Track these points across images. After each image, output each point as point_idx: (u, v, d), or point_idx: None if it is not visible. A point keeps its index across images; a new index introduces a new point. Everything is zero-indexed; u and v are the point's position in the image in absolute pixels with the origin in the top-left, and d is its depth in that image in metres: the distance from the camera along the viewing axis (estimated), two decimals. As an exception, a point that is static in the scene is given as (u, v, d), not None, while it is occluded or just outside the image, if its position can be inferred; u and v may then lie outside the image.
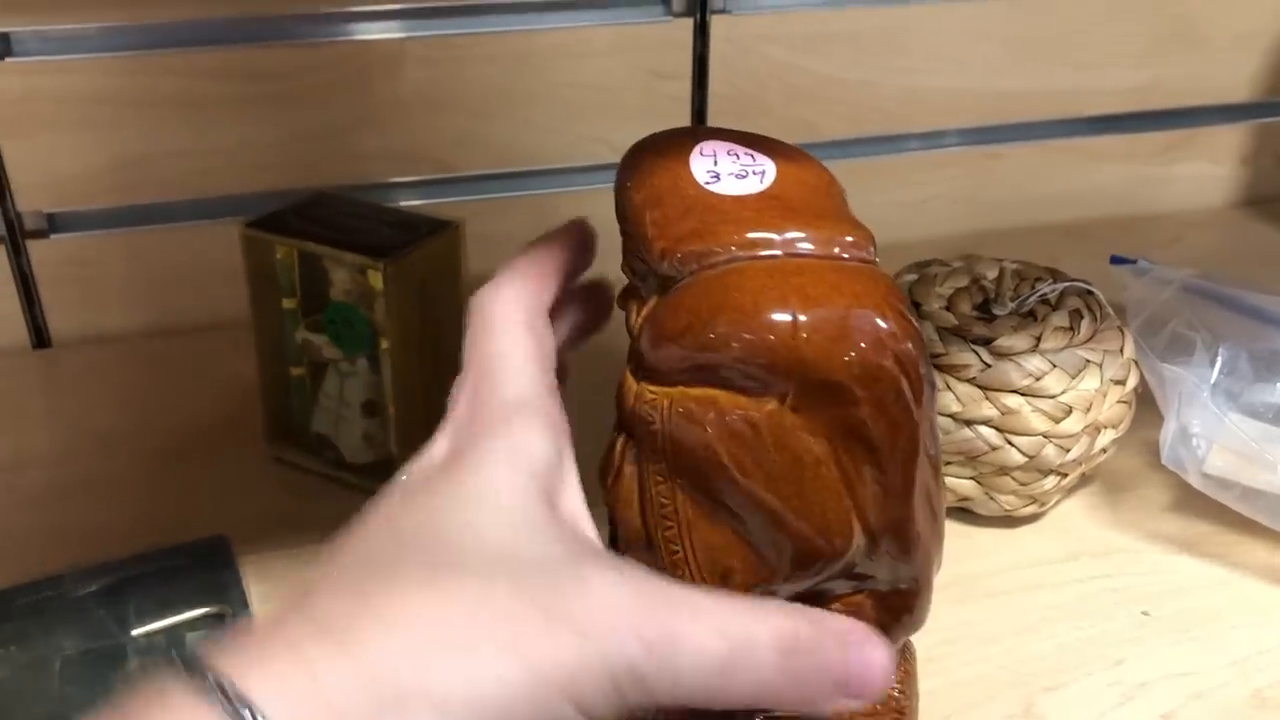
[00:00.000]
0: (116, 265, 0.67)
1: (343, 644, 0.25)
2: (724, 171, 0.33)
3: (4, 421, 0.60)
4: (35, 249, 0.65)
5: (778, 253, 0.30)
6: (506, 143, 0.70)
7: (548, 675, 0.25)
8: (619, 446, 0.32)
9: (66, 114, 0.62)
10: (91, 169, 0.64)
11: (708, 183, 0.32)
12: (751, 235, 0.31)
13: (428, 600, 0.26)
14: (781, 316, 0.29)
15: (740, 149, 0.34)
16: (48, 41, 0.61)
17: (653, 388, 0.30)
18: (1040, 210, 0.82)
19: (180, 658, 0.25)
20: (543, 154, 0.71)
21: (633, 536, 0.32)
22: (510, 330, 0.32)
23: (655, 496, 0.31)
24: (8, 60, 0.61)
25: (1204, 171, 0.85)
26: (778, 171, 0.33)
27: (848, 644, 0.28)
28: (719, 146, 0.34)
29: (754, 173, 0.33)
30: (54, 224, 0.65)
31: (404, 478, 0.30)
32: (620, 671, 0.26)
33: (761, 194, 0.32)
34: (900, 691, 0.38)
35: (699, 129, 0.35)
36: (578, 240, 0.36)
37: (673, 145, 0.34)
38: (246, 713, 0.23)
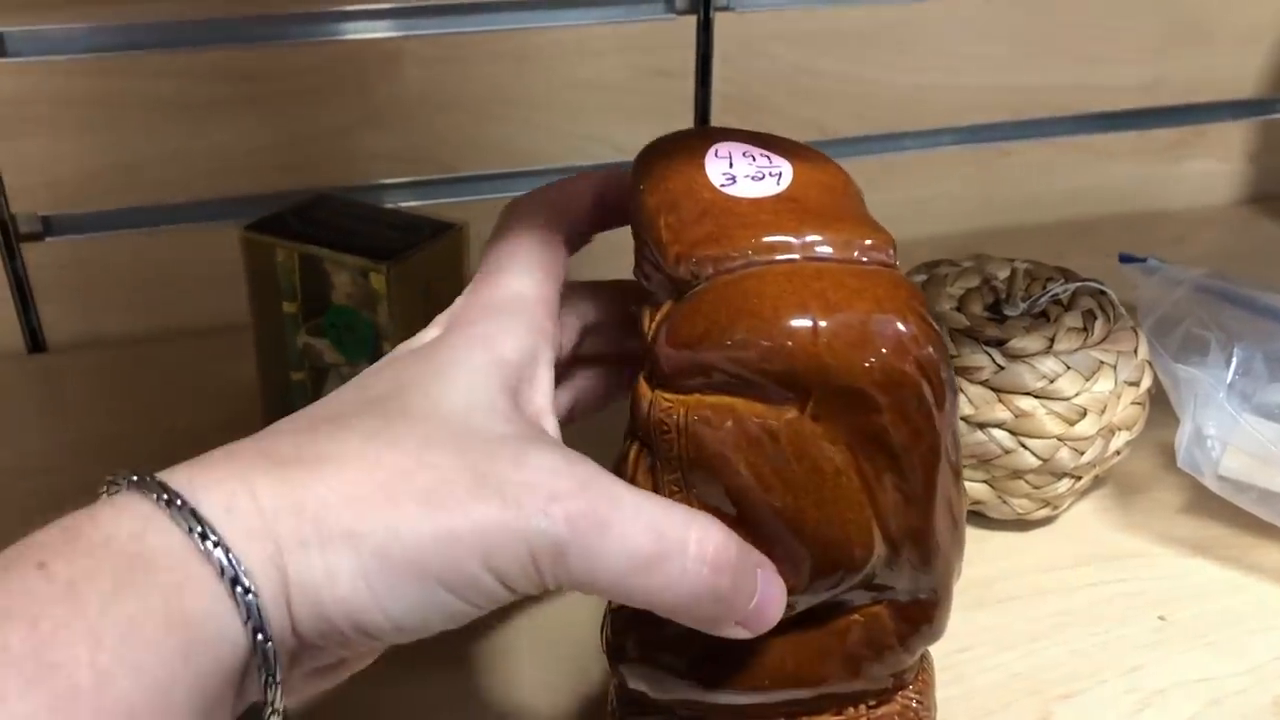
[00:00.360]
0: (113, 268, 0.66)
1: (282, 472, 0.27)
2: (739, 174, 0.32)
3: (1, 426, 0.59)
4: (30, 252, 0.64)
5: (796, 256, 0.30)
6: (508, 143, 0.69)
7: (462, 534, 0.26)
8: (632, 455, 0.31)
9: (62, 115, 0.61)
10: (88, 171, 0.63)
11: (723, 185, 0.31)
12: (769, 239, 0.30)
13: (369, 449, 0.27)
14: (801, 322, 0.28)
15: (756, 150, 0.33)
16: (43, 41, 0.60)
17: (669, 395, 0.30)
18: (1047, 208, 0.82)
19: (134, 471, 0.27)
20: (544, 154, 0.70)
21: None
22: (523, 237, 0.34)
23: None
24: (2, 60, 0.60)
25: (1211, 168, 0.84)
26: (794, 173, 0.32)
27: (758, 576, 0.29)
28: (734, 148, 0.33)
29: (770, 174, 0.32)
30: (49, 227, 0.64)
31: (388, 356, 0.32)
32: (539, 545, 0.26)
33: (778, 196, 0.31)
34: (919, 702, 0.37)
35: (712, 130, 0.34)
36: (611, 186, 0.37)
37: (686, 147, 0.33)
38: (189, 515, 0.25)
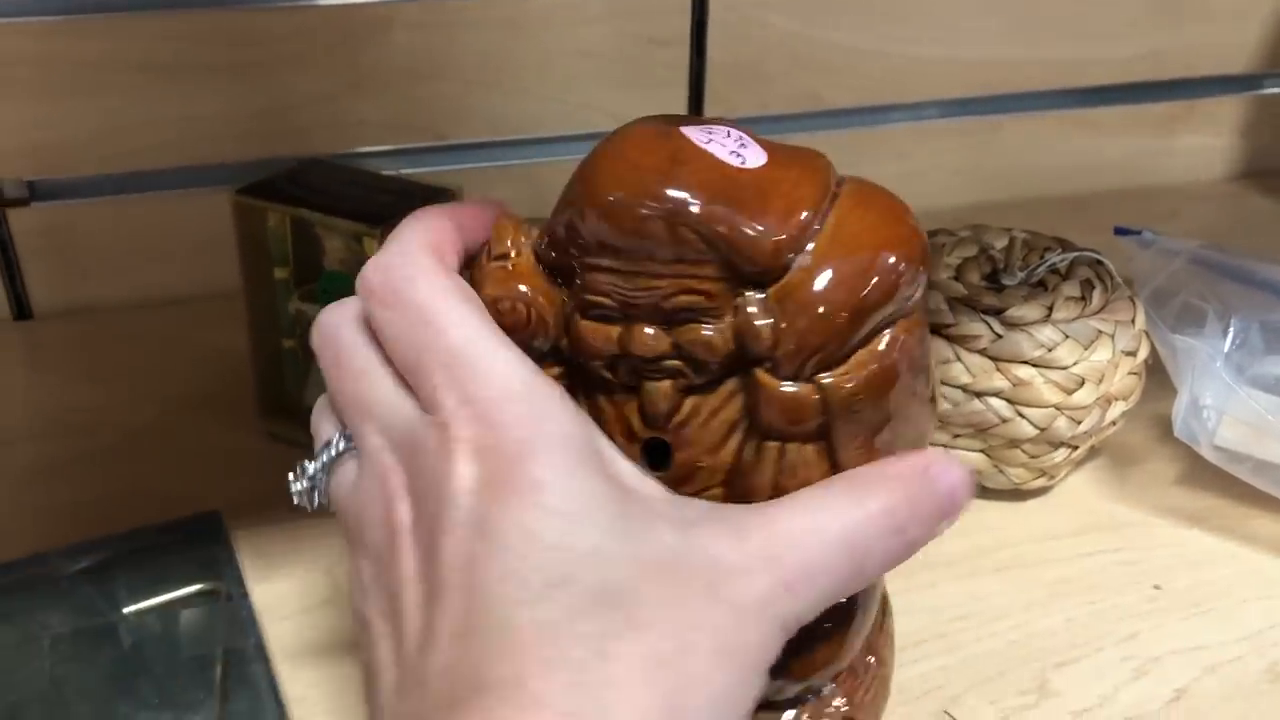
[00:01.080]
0: (100, 235, 0.65)
1: None
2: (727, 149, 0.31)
3: (-14, 395, 0.59)
4: (15, 218, 0.63)
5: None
6: (499, 110, 0.68)
7: (759, 664, 0.27)
8: (811, 454, 0.30)
9: (47, 78, 0.60)
10: (74, 135, 0.62)
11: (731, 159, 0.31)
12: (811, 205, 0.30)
13: (639, 650, 0.26)
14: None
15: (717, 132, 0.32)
16: (26, 1, 0.59)
17: (839, 370, 0.29)
18: (1039, 182, 0.82)
19: None
20: (535, 122, 0.69)
21: None
22: (455, 309, 0.29)
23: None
24: (-14, 21, 0.59)
25: (1204, 144, 0.84)
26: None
27: (935, 481, 0.29)
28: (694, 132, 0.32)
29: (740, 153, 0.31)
30: (35, 192, 0.63)
31: (450, 514, 0.27)
32: (787, 624, 0.27)
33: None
34: (875, 659, 0.37)
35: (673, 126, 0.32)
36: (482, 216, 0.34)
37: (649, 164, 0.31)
38: None
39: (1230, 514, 0.51)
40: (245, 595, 0.45)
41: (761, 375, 0.30)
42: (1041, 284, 0.52)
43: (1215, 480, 0.51)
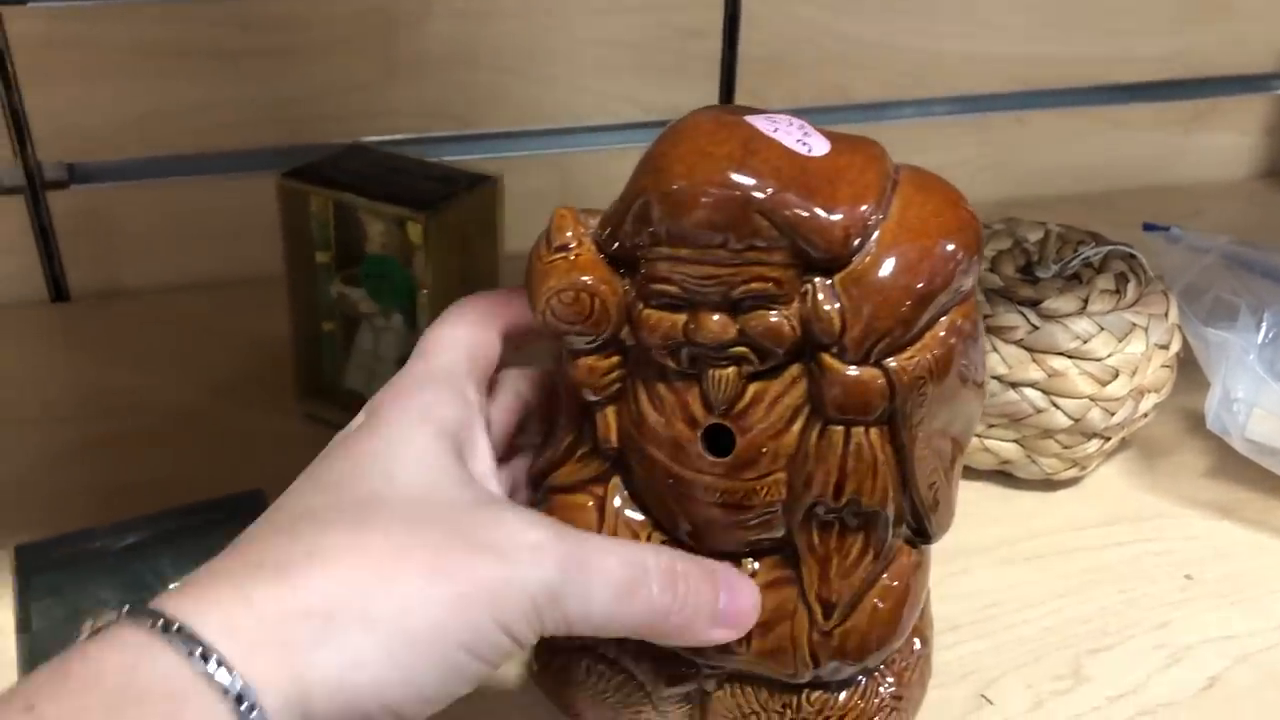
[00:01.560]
0: (138, 218, 0.66)
1: (277, 577, 0.27)
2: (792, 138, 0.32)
3: (26, 374, 0.59)
4: (55, 200, 0.64)
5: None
6: (533, 99, 0.69)
7: (473, 594, 0.28)
8: (871, 439, 0.31)
9: (90, 62, 0.61)
10: (115, 119, 0.63)
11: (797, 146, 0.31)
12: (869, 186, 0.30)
13: (356, 537, 0.28)
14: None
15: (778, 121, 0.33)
16: (69, -14, 0.60)
17: (906, 354, 0.30)
18: (1064, 179, 0.82)
19: (129, 603, 0.27)
20: (570, 111, 0.70)
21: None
22: (455, 322, 0.35)
23: (924, 458, 0.32)
24: (31, 4, 0.59)
25: (1229, 142, 0.85)
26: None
27: (718, 579, 0.32)
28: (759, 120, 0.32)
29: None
30: (74, 174, 0.64)
31: (333, 441, 0.33)
32: (539, 593, 0.28)
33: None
34: (919, 640, 0.37)
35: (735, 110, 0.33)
36: None
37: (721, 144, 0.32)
38: (187, 638, 0.25)
39: (1261, 506, 0.52)
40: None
41: (828, 360, 0.30)
42: (1076, 277, 0.52)
43: (1246, 472, 0.52)
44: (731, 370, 0.31)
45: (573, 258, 0.31)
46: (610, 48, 0.69)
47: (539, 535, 0.29)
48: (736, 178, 0.29)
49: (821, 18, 0.71)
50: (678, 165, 0.29)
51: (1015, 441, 0.51)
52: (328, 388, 0.55)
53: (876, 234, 0.30)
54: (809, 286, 0.30)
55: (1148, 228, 0.64)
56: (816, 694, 0.35)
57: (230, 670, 0.25)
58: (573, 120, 0.70)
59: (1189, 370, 0.53)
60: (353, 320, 0.54)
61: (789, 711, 0.35)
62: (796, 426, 0.31)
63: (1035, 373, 0.49)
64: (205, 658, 0.25)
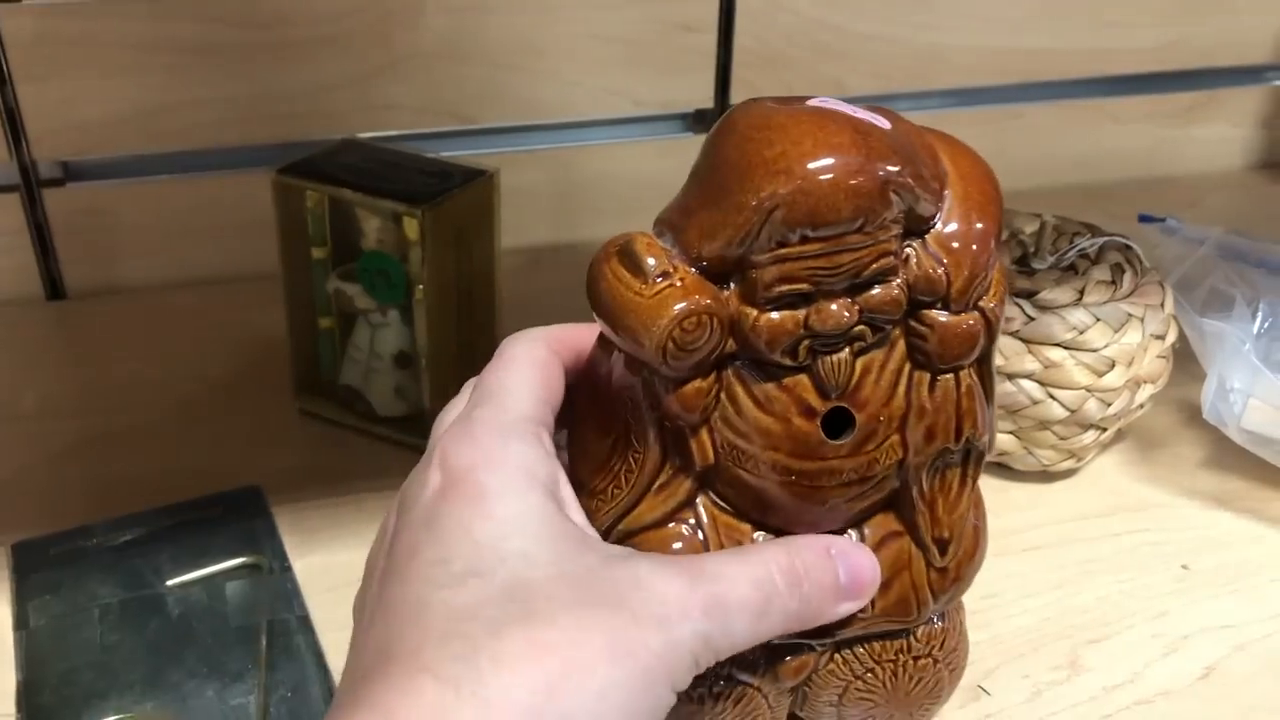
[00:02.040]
0: (134, 215, 0.66)
1: (476, 698, 0.26)
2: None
3: (23, 372, 0.59)
4: (50, 198, 0.64)
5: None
6: (529, 95, 0.69)
7: (653, 668, 0.28)
8: (973, 378, 0.32)
9: (84, 59, 0.61)
10: (110, 116, 0.63)
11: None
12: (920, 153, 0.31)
13: (531, 634, 0.27)
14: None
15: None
16: (64, -16, 0.60)
17: (990, 296, 0.32)
18: (1059, 171, 0.82)
19: None
20: (565, 107, 0.70)
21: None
22: (522, 365, 0.33)
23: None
24: (26, 2, 0.59)
25: (1223, 133, 0.85)
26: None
27: (835, 557, 0.32)
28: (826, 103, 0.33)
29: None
30: (70, 172, 0.64)
31: (412, 512, 0.31)
32: (697, 646, 0.29)
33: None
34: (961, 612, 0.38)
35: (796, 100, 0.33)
36: None
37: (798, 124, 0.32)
38: None
39: (1257, 496, 0.52)
40: (287, 568, 0.46)
41: (934, 315, 0.31)
42: (1071, 268, 0.52)
43: (1242, 462, 0.52)
44: (845, 352, 0.31)
45: (678, 283, 0.30)
46: (605, 43, 0.69)
47: (678, 586, 0.29)
48: (874, 162, 0.29)
49: (815, 11, 0.71)
50: (808, 162, 0.29)
51: (1012, 433, 0.51)
52: (324, 384, 0.55)
53: (948, 189, 0.31)
54: (909, 251, 0.31)
55: (1143, 219, 0.65)
56: (922, 629, 0.36)
57: None
58: (569, 115, 0.70)
59: (1185, 361, 0.53)
60: (349, 316, 0.54)
61: (903, 656, 0.36)
62: (901, 388, 0.32)
63: (1031, 364, 0.49)
64: None
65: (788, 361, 0.31)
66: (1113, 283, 0.51)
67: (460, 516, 0.30)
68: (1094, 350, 0.49)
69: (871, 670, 0.36)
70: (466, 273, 0.52)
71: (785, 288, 0.30)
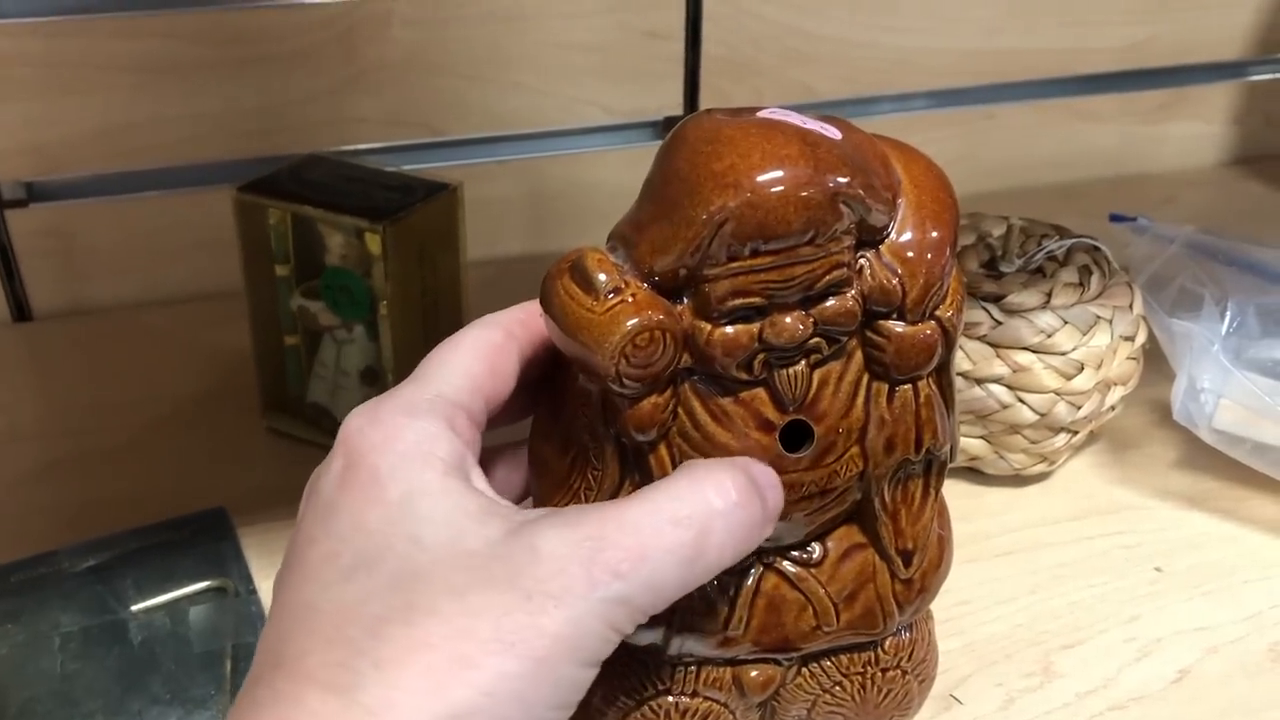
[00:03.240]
0: (99, 235, 0.65)
1: (352, 700, 0.25)
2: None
3: (-12, 396, 0.59)
4: (14, 219, 0.63)
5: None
6: (497, 106, 0.69)
7: (551, 654, 0.26)
8: (932, 389, 0.32)
9: (45, 78, 0.60)
10: (72, 135, 0.62)
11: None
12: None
13: (413, 633, 0.26)
14: None
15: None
16: (26, 1, 0.59)
17: (945, 305, 0.31)
18: (1032, 171, 0.82)
19: None
20: (534, 117, 0.70)
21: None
22: (462, 349, 0.32)
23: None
24: (-17, 22, 0.59)
25: (1196, 131, 0.85)
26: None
27: (761, 484, 0.30)
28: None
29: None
30: (33, 193, 0.63)
31: (315, 499, 0.30)
32: (611, 611, 0.27)
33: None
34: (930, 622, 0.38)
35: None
36: None
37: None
38: None
39: (1229, 496, 0.52)
40: (253, 591, 0.45)
41: (891, 325, 0.31)
42: (1039, 271, 0.52)
43: (1214, 463, 0.52)
44: (802, 364, 0.31)
45: (630, 299, 0.30)
46: (573, 52, 0.68)
47: (583, 550, 0.27)
48: (824, 174, 0.29)
49: (784, 16, 0.71)
50: (757, 175, 0.29)
51: (982, 438, 0.50)
52: (292, 402, 0.55)
53: (901, 198, 0.31)
54: (862, 262, 0.31)
55: (1114, 218, 0.64)
56: (890, 641, 0.36)
57: None
58: (538, 125, 0.70)
59: (1155, 362, 0.53)
60: (315, 334, 0.53)
61: (871, 668, 0.36)
62: (860, 399, 0.32)
63: (1000, 368, 0.49)
64: None
65: (743, 376, 0.31)
66: (1080, 285, 0.51)
67: (353, 505, 0.28)
68: (1062, 353, 0.49)
69: (839, 684, 0.36)
70: (431, 287, 0.52)
71: (738, 301, 0.30)
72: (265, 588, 0.46)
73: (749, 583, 0.34)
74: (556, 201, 0.70)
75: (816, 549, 0.34)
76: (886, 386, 0.32)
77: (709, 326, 0.30)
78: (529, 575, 0.26)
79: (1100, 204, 0.71)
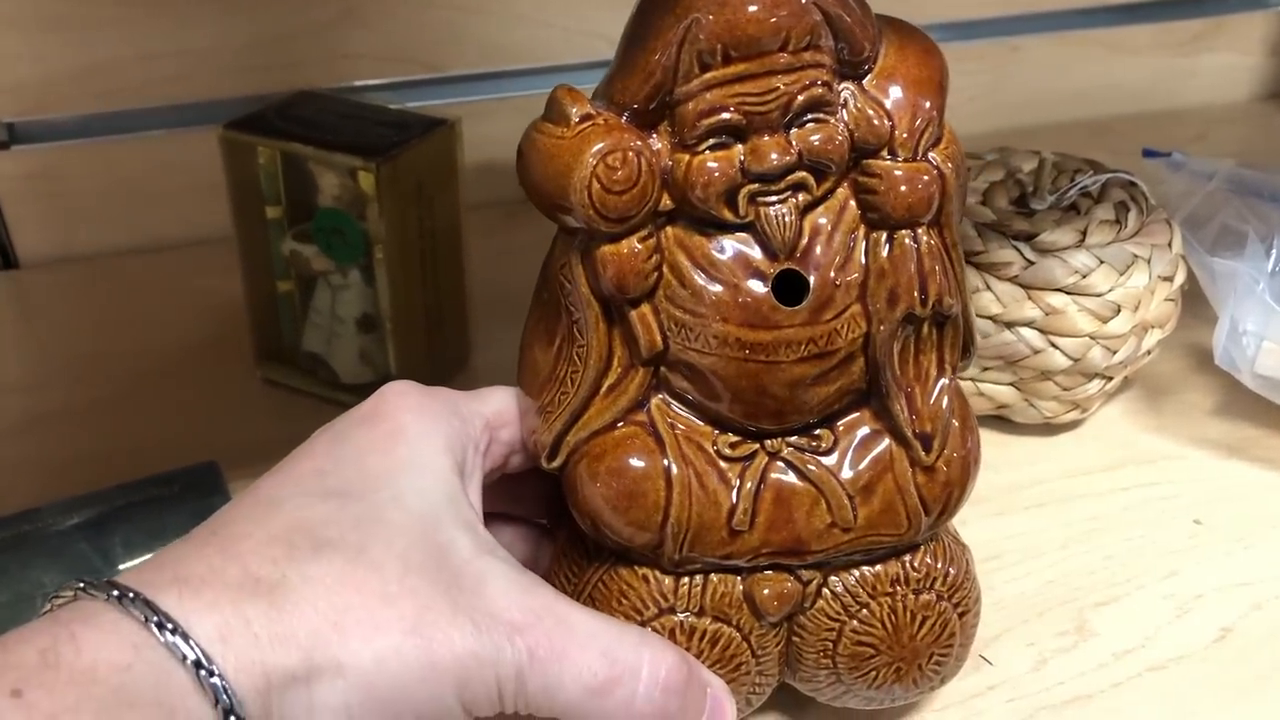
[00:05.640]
0: (86, 178, 0.62)
1: (273, 599, 0.26)
2: None
3: (-27, 347, 0.57)
4: (-3, 162, 0.61)
5: None
6: (497, 39, 0.66)
7: (444, 661, 0.26)
8: (935, 240, 0.31)
9: (26, 13, 0.57)
10: (56, 73, 0.59)
11: None
12: None
13: (351, 570, 0.27)
14: None
15: None
16: (0, -67, 0.56)
17: (940, 148, 0.31)
18: (1060, 106, 0.79)
19: (113, 584, 0.25)
20: (535, 51, 0.66)
21: None
22: (499, 389, 0.34)
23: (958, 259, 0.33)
24: (-45, -47, 0.56)
25: (1231, 63, 0.81)
26: None
27: (708, 694, 0.30)
28: None
29: None
30: (15, 134, 0.60)
31: (336, 425, 0.31)
32: (505, 674, 0.27)
33: None
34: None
35: None
36: None
37: None
38: (182, 640, 0.24)
39: (1271, 444, 0.49)
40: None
41: (882, 164, 0.30)
42: (1073, 208, 0.49)
43: (1255, 409, 0.49)
44: (789, 204, 0.30)
45: (601, 123, 0.29)
46: (577, -19, 0.65)
47: (519, 613, 0.27)
48: None
49: (800, -57, 0.68)
50: None
51: (1012, 384, 0.48)
52: (286, 351, 0.53)
53: (883, 44, 0.30)
54: (846, 94, 0.30)
55: (1148, 154, 0.61)
56: (920, 559, 0.33)
57: (225, 685, 0.24)
58: (539, 59, 0.67)
59: (1195, 303, 0.50)
60: (309, 279, 0.51)
61: (900, 589, 0.33)
62: (858, 252, 0.31)
63: (1031, 311, 0.46)
64: (198, 667, 0.24)
65: (728, 215, 0.30)
66: (1117, 222, 0.48)
67: (362, 442, 0.30)
68: (1098, 295, 0.46)
69: (866, 606, 0.33)
70: (429, 229, 0.49)
71: (714, 119, 0.29)
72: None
73: (751, 471, 0.32)
74: (562, 141, 0.67)
75: (824, 437, 0.32)
76: (884, 235, 0.30)
77: (688, 156, 0.29)
78: (467, 599, 0.27)
79: (1130, 140, 0.68)
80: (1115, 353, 0.46)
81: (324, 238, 0.49)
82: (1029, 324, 0.46)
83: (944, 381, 0.32)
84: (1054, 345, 0.46)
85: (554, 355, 0.32)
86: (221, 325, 0.56)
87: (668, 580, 0.32)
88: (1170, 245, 0.48)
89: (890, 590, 0.33)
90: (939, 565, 0.34)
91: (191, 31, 0.60)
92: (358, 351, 0.51)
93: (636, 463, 0.31)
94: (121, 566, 0.42)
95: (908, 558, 0.33)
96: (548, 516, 0.37)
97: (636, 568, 0.32)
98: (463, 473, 0.31)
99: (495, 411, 0.33)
